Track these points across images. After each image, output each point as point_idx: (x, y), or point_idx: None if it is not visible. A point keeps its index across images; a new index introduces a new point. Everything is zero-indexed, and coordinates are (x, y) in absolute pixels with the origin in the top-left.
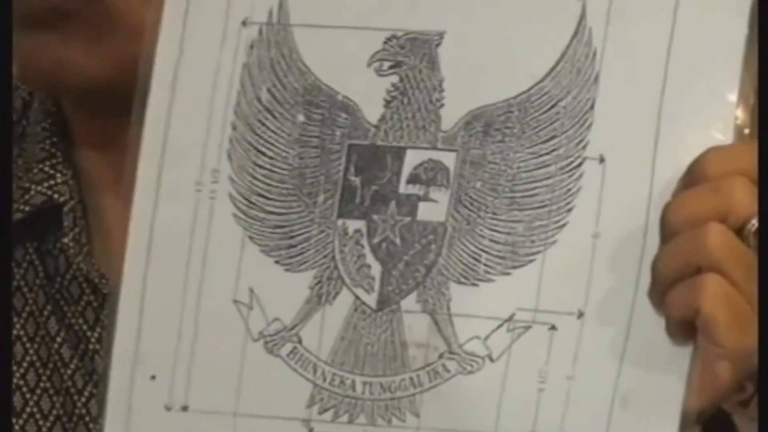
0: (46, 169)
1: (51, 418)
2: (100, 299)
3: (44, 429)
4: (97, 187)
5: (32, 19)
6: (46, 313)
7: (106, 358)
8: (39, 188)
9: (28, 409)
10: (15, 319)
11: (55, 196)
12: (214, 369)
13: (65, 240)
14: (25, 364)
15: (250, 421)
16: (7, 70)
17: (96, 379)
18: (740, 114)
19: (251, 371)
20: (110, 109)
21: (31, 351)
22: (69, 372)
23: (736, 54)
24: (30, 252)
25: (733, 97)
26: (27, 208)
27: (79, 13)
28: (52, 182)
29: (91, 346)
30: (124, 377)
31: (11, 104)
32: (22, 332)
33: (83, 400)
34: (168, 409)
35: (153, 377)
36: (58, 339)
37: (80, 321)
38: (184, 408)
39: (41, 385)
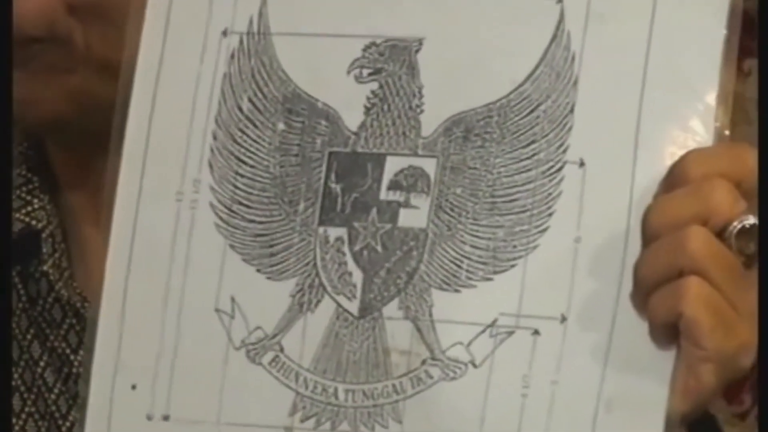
0: (23, 195)
1: None
2: (82, 323)
3: None
4: (77, 212)
5: None
6: (29, 336)
7: (86, 368)
8: (17, 215)
9: None
10: None
11: (33, 222)
12: (195, 378)
13: (44, 267)
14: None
15: (232, 429)
16: (7, 74)
17: (80, 403)
18: (720, 116)
19: (233, 380)
20: (82, 143)
21: (15, 375)
22: (53, 396)
23: (714, 56)
24: (13, 275)
25: (712, 98)
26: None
27: (40, 46)
28: (29, 208)
29: (74, 370)
30: (104, 387)
31: (11, 107)
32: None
33: (68, 424)
34: (149, 418)
35: (134, 387)
36: (41, 363)
37: (63, 345)
38: (166, 417)
39: (26, 409)
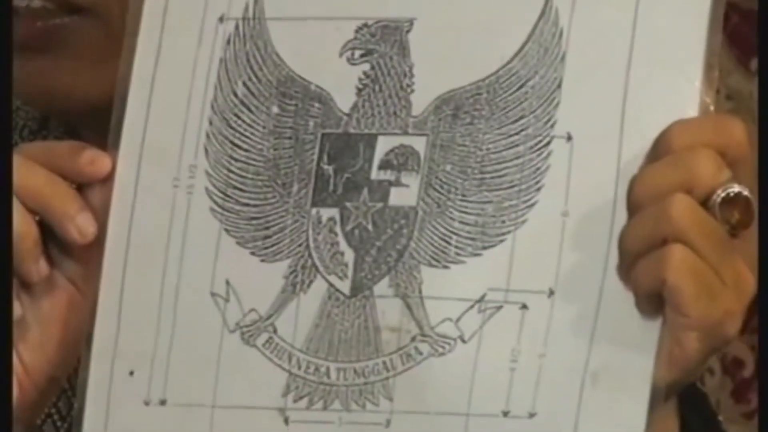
0: None
1: None
2: None
3: None
4: None
5: (25, 45)
6: None
7: (85, 355)
8: None
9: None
10: None
11: None
12: (191, 362)
13: None
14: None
15: (227, 412)
16: (7, 72)
17: (78, 389)
18: (705, 89)
19: (228, 363)
20: None
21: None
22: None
23: (699, 31)
24: None
25: (697, 72)
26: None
27: (74, 31)
28: None
29: None
30: (103, 374)
31: (11, 107)
32: None
33: None
34: (146, 403)
35: (131, 373)
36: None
37: None
38: (163, 402)
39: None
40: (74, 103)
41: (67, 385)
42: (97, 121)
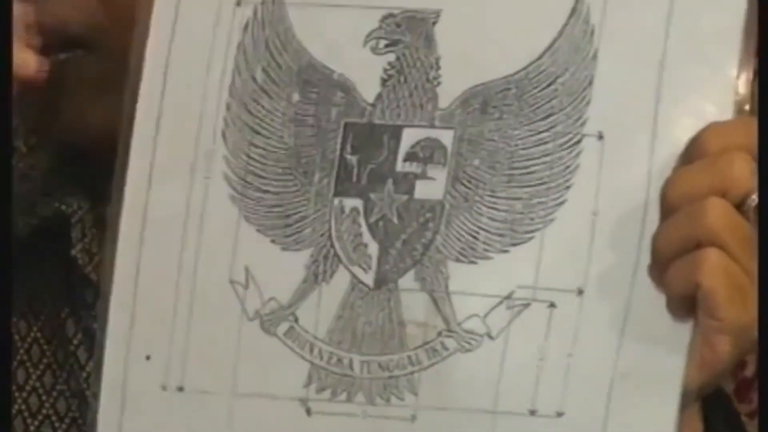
0: (54, 179)
1: (67, 420)
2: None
3: (60, 430)
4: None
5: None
6: (63, 315)
7: (100, 339)
8: (46, 199)
9: (44, 411)
10: (33, 322)
11: (63, 207)
12: (210, 349)
13: (73, 252)
14: (42, 366)
15: (247, 400)
16: (7, 68)
17: (94, 373)
18: (740, 90)
19: (247, 351)
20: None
21: (48, 353)
22: (84, 374)
23: (735, 30)
24: (48, 256)
25: (732, 72)
26: (35, 221)
27: (73, 65)
28: (59, 193)
29: None
30: (118, 357)
31: (11, 107)
32: (39, 334)
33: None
34: (164, 389)
35: (148, 357)
36: (75, 341)
37: (95, 325)
38: (180, 388)
39: (57, 387)
40: (77, 138)
41: (65, 387)
42: (101, 149)
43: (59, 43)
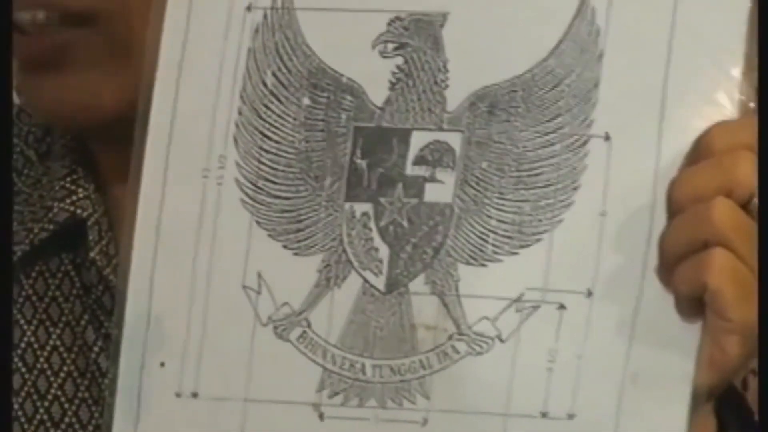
0: (68, 185)
1: (90, 428)
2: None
3: None
4: (123, 201)
5: (33, 62)
6: (83, 322)
7: (115, 346)
8: (61, 205)
9: (66, 419)
10: (52, 329)
11: (78, 211)
12: (223, 355)
13: (92, 254)
14: (62, 374)
15: (260, 406)
16: (7, 72)
17: (109, 380)
18: (745, 88)
19: (261, 356)
20: (127, 136)
21: (68, 361)
22: (107, 382)
23: (739, 29)
24: (65, 263)
25: (737, 72)
26: (51, 226)
27: (81, 45)
28: (74, 197)
29: None
30: (133, 364)
31: (11, 107)
32: (59, 342)
33: None
34: (178, 395)
35: (162, 364)
36: (95, 348)
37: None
38: (194, 394)
39: (79, 395)
40: (83, 119)
41: (87, 394)
42: (107, 133)
43: (63, 19)
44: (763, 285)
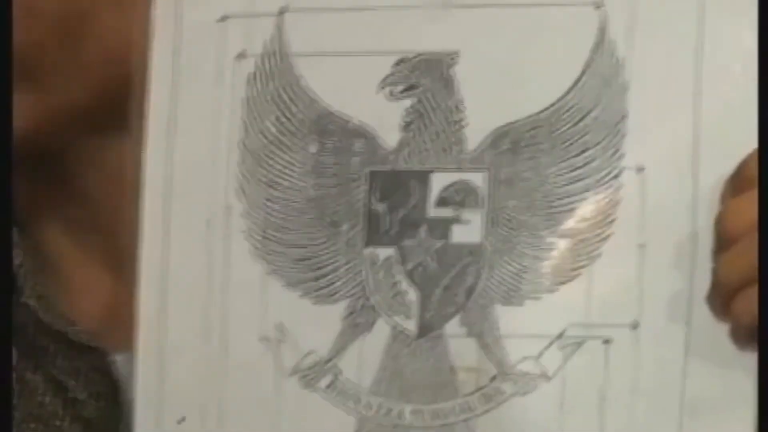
0: None
1: None
2: (71, 348)
3: None
4: (48, 238)
5: None
6: (21, 367)
7: (130, 404)
8: None
9: None
10: None
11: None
12: (247, 407)
13: (22, 299)
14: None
15: None
16: (7, 77)
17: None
18: None
19: (288, 408)
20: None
21: (19, 407)
22: (62, 423)
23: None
24: None
25: None
26: None
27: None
28: None
29: (70, 395)
30: (150, 421)
31: (11, 106)
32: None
33: None
34: None
35: (182, 420)
36: (40, 390)
37: (55, 371)
38: None
39: None
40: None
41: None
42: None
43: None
44: (763, 285)
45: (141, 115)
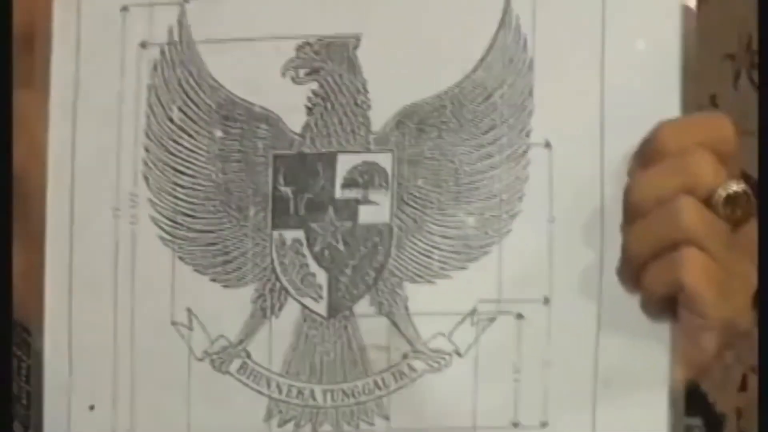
0: None
1: None
2: (30, 354)
3: None
4: None
5: None
6: None
7: (37, 393)
8: None
9: None
10: None
11: None
12: (159, 393)
13: None
14: None
15: None
16: (7, 77)
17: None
18: (685, 86)
19: (200, 391)
20: None
21: None
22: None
23: (673, 26)
24: None
25: (675, 69)
26: None
27: None
28: None
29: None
30: (59, 410)
31: (11, 105)
32: None
33: None
34: None
35: (92, 407)
36: None
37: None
38: None
39: None
40: None
41: None
42: None
43: None
44: (763, 285)
45: (45, 104)
